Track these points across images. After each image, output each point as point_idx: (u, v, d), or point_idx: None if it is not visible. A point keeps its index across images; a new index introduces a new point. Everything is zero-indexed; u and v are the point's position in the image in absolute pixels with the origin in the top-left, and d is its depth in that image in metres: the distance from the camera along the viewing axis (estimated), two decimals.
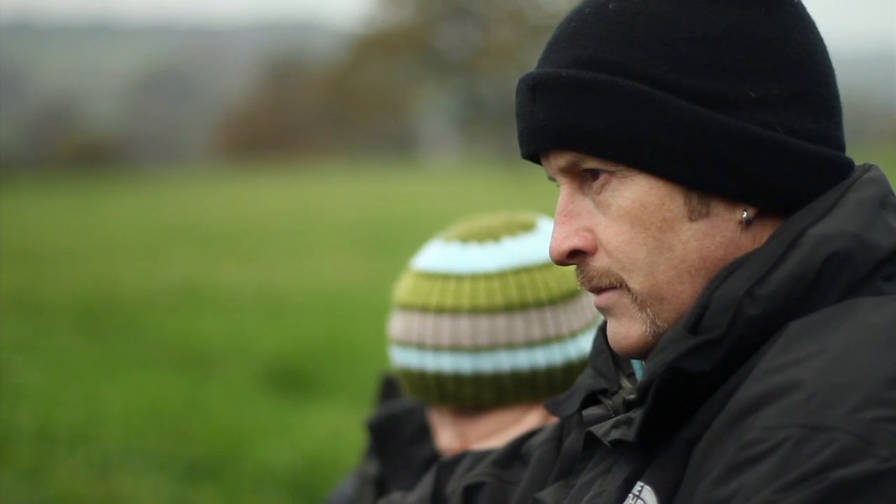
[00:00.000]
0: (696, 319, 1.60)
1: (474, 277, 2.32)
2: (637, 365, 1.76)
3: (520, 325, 2.30)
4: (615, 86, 1.62)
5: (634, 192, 1.63)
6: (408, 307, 2.35)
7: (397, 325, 2.37)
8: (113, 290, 13.71)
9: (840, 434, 1.45)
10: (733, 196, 1.62)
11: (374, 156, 60.61)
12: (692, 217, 1.63)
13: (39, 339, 10.38)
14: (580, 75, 1.63)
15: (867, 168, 1.69)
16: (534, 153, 1.70)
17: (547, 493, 1.82)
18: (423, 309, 2.33)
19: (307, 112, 64.52)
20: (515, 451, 1.97)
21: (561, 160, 1.67)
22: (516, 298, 2.30)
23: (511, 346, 2.30)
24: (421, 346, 2.32)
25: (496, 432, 2.33)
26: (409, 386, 2.37)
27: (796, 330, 1.55)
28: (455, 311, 2.30)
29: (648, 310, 1.65)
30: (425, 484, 2.00)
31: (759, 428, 1.48)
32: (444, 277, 2.33)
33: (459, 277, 2.32)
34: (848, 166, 1.67)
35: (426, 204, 27.06)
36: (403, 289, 2.38)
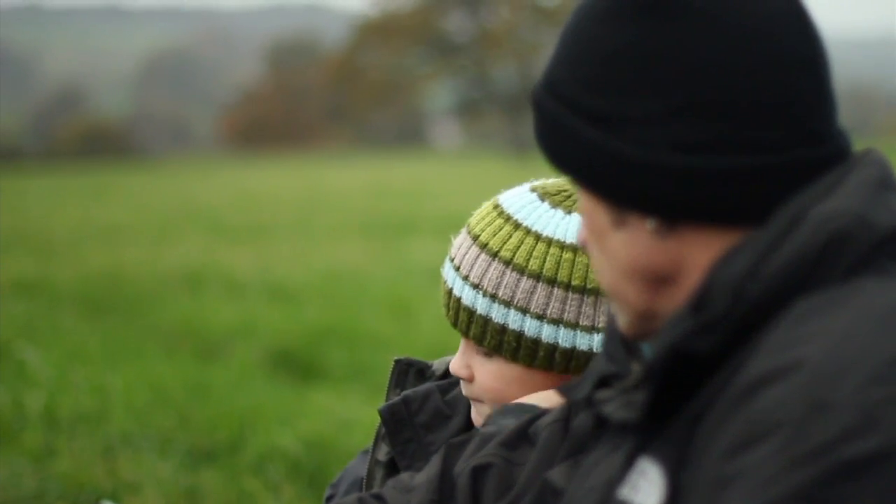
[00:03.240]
0: (699, 300, 1.61)
1: (528, 233, 2.35)
2: (647, 348, 1.77)
3: (541, 297, 2.31)
4: (544, 105, 1.71)
5: (582, 200, 1.72)
6: (466, 228, 2.41)
7: (456, 239, 2.42)
8: (119, 274, 13.73)
9: (846, 412, 1.45)
10: (630, 209, 1.66)
11: (381, 140, 60.60)
12: (615, 226, 1.68)
13: (46, 323, 10.39)
14: (535, 95, 1.73)
15: (867, 151, 1.69)
16: None
17: (557, 473, 1.85)
18: (473, 236, 2.37)
19: (314, 96, 64.54)
20: (523, 433, 2.00)
21: None
22: (551, 271, 2.31)
23: (525, 310, 2.32)
24: (457, 268, 2.37)
25: (499, 380, 2.35)
26: (443, 299, 2.42)
27: (803, 309, 1.56)
28: (490, 254, 2.34)
29: (614, 304, 1.74)
30: (433, 464, 2.03)
31: (765, 405, 1.49)
32: (510, 221, 2.36)
33: (517, 225, 2.35)
34: (764, 170, 1.63)
35: (432, 188, 27.07)
36: (476, 215, 2.42)
